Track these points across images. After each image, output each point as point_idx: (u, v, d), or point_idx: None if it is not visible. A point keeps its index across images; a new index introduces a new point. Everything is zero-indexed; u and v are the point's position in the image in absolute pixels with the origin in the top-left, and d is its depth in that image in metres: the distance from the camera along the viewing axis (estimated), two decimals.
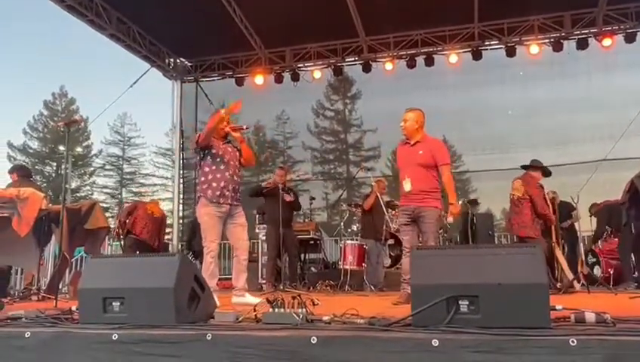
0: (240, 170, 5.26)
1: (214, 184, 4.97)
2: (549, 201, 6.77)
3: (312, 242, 9.27)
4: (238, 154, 5.22)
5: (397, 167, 5.41)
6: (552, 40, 10.20)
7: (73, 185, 34.63)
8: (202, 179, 5.04)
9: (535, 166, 6.99)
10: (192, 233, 10.58)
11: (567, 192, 7.36)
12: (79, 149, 36.87)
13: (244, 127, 5.40)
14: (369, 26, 10.53)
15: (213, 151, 5.07)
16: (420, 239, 5.02)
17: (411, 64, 10.76)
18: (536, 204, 6.60)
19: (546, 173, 7.00)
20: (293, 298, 2.92)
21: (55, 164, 36.28)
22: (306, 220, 9.96)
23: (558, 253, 6.51)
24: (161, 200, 35.68)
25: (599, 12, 9.90)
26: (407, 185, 5.02)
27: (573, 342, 2.10)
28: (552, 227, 6.69)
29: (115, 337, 2.63)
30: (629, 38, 9.85)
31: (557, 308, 2.64)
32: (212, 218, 4.92)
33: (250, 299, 4.81)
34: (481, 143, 11.58)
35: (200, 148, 5.09)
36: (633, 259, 7.38)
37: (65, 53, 53.00)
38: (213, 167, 5.02)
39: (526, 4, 9.69)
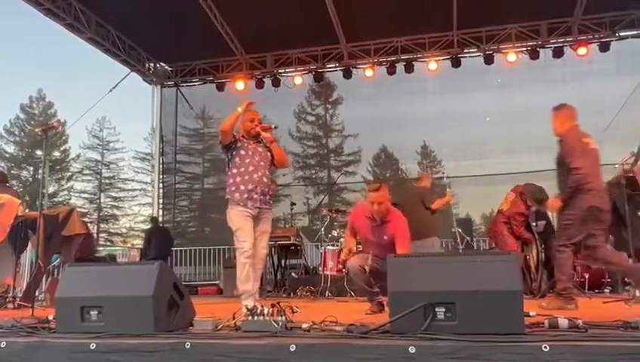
0: (270, 172, 4.98)
1: (242, 187, 4.72)
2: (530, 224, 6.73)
3: (292, 248, 9.27)
4: (269, 155, 4.95)
5: (357, 234, 5.00)
6: (528, 48, 10.40)
7: (50, 189, 34.10)
8: (230, 181, 4.81)
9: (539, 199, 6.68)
10: (147, 242, 10.58)
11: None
12: (57, 153, 36.32)
13: (273, 126, 5.11)
14: (349, 32, 10.61)
15: (242, 151, 4.83)
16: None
17: (391, 71, 10.86)
18: (512, 227, 6.60)
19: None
20: (273, 305, 2.93)
21: (32, 168, 35.71)
22: (287, 225, 9.96)
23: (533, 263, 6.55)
24: (141, 205, 35.65)
25: (574, 21, 10.13)
26: (369, 260, 4.71)
27: (545, 347, 2.15)
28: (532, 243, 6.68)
29: (92, 346, 2.61)
30: (603, 47, 10.09)
31: (531, 314, 2.69)
32: (241, 217, 4.68)
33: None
34: (460, 149, 11.72)
35: (224, 147, 4.86)
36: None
37: (43, 56, 52.27)
38: (242, 169, 4.77)
39: (504, 13, 9.85)
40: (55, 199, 34.69)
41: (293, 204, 10.13)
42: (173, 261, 11.16)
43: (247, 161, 4.80)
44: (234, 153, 4.84)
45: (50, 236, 5.96)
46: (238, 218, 4.68)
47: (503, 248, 6.53)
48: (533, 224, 6.88)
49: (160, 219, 12.06)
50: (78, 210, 7.20)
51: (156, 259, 5.58)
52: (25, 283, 6.53)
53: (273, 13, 9.46)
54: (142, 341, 2.64)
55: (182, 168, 13.54)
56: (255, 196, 4.72)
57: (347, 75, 11.16)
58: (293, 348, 2.37)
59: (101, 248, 19.66)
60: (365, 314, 4.39)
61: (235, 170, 4.79)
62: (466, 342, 2.26)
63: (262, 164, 4.85)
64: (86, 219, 33.56)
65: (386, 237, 4.68)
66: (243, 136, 4.91)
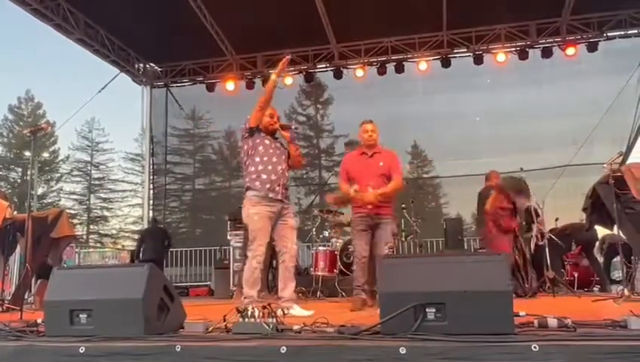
0: (287, 171, 4.80)
1: (264, 176, 4.52)
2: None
3: None
4: (286, 153, 4.80)
5: (350, 177, 5.22)
6: (518, 48, 10.47)
7: (39, 191, 33.81)
8: (251, 169, 4.57)
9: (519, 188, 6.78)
10: (140, 243, 10.51)
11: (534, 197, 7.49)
12: (46, 155, 36.03)
13: (293, 126, 5.09)
14: (340, 32, 10.62)
15: (267, 141, 4.66)
16: (373, 245, 5.02)
17: (382, 71, 10.89)
18: (499, 222, 6.60)
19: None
20: (264, 307, 2.92)
21: (20, 169, 35.40)
22: None
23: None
24: (131, 206, 35.49)
25: (563, 22, 10.21)
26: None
27: (535, 347, 2.16)
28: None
29: (82, 350, 2.59)
30: (591, 47, 10.19)
31: (520, 314, 2.70)
32: (262, 218, 4.47)
33: (300, 311, 4.27)
34: (450, 149, 11.74)
35: (250, 129, 4.65)
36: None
37: (32, 56, 51.84)
38: (265, 158, 4.58)
39: (493, 14, 9.91)
40: (44, 201, 34.42)
41: None
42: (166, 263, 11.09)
43: (271, 151, 4.64)
44: (257, 141, 4.64)
45: (39, 238, 5.91)
46: (259, 218, 4.48)
47: (495, 249, 6.55)
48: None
49: (150, 220, 11.99)
50: (68, 211, 7.13)
51: (149, 261, 5.56)
52: (13, 286, 6.48)
53: (263, 13, 9.45)
54: (132, 344, 2.62)
55: (172, 169, 13.46)
56: (277, 188, 4.55)
57: (338, 75, 11.18)
58: (284, 349, 2.37)
59: (92, 250, 19.51)
60: (350, 312, 4.41)
61: (257, 159, 4.59)
62: (456, 343, 2.27)
63: (282, 158, 4.72)
64: (76, 221, 33.42)
65: (381, 163, 5.11)
66: (262, 130, 4.72)
